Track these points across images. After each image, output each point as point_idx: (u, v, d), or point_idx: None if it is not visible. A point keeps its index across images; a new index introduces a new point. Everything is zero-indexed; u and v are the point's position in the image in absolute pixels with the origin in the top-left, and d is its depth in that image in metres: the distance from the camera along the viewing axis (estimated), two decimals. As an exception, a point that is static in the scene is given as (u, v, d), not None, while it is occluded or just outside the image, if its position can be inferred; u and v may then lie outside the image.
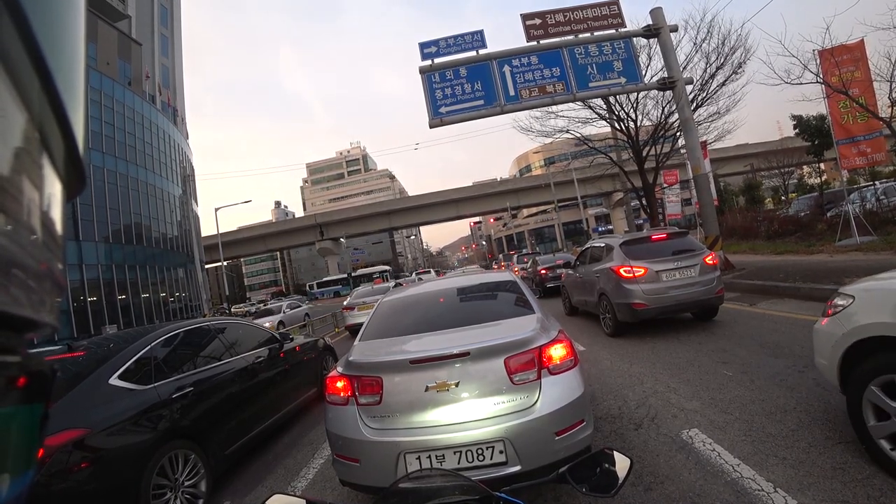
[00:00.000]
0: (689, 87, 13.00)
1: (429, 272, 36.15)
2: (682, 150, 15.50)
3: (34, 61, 0.30)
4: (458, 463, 2.47)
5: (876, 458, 2.57)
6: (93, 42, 30.55)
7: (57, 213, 0.37)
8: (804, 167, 38.11)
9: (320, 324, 16.21)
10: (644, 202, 16.71)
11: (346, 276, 55.57)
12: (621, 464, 1.15)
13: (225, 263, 38.19)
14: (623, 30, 12.62)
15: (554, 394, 2.60)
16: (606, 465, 1.16)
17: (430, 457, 2.49)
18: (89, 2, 0.38)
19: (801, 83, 11.23)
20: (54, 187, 0.36)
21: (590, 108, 15.90)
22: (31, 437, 0.35)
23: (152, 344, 3.75)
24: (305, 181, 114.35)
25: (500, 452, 2.47)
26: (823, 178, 30.14)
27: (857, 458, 2.68)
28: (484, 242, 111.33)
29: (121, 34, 34.50)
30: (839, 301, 2.83)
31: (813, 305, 6.56)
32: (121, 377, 3.32)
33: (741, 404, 3.74)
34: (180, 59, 47.05)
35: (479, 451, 2.47)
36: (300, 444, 4.69)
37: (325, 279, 57.47)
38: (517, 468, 2.44)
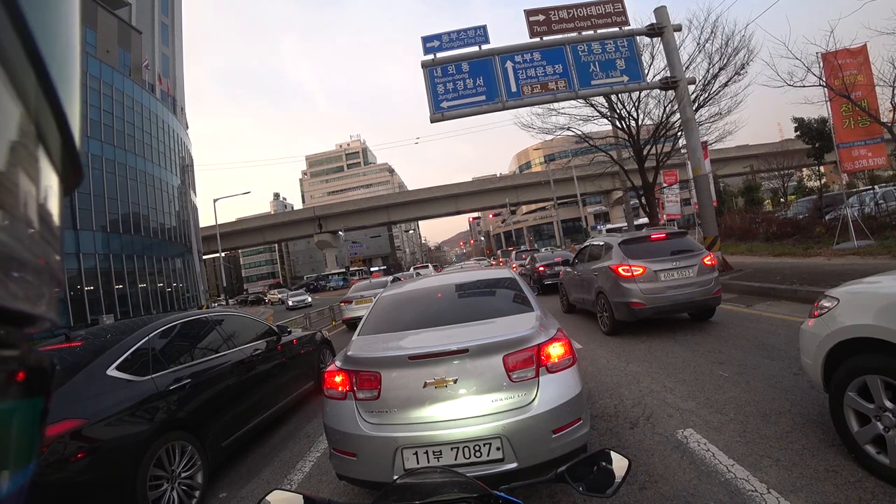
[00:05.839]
0: (691, 88, 12.97)
1: (426, 267, 36.11)
2: (683, 150, 15.48)
3: (28, 52, 0.30)
4: (455, 459, 2.48)
5: (864, 462, 2.60)
6: (92, 29, 30.31)
7: (54, 207, 0.37)
8: (804, 170, 38.08)
9: (318, 317, 16.21)
10: (643, 201, 16.71)
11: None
12: (619, 464, 1.16)
13: (223, 255, 38.13)
14: (627, 28, 12.57)
15: (552, 392, 2.61)
16: (604, 465, 1.16)
17: (427, 452, 2.50)
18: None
19: (804, 86, 11.25)
20: (51, 181, 0.36)
21: (591, 105, 15.83)
22: (31, 431, 0.35)
23: (150, 335, 3.75)
24: (305, 173, 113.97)
25: (497, 449, 2.48)
26: (823, 182, 30.17)
27: (849, 461, 2.70)
28: (482, 238, 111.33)
29: (121, 22, 34.20)
30: (825, 303, 2.91)
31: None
32: (118, 368, 3.31)
33: (736, 405, 3.76)
34: (180, 48, 46.71)
35: (477, 448, 2.48)
36: (297, 436, 4.70)
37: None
38: (514, 465, 2.46)
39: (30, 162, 0.32)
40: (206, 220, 43.92)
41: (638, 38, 12.68)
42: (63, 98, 0.34)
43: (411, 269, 37.81)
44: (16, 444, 0.32)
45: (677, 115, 13.87)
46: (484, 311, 3.34)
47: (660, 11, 12.55)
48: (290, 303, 32.83)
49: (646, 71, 12.94)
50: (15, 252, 0.30)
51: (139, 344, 3.60)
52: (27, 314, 0.32)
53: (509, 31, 16.00)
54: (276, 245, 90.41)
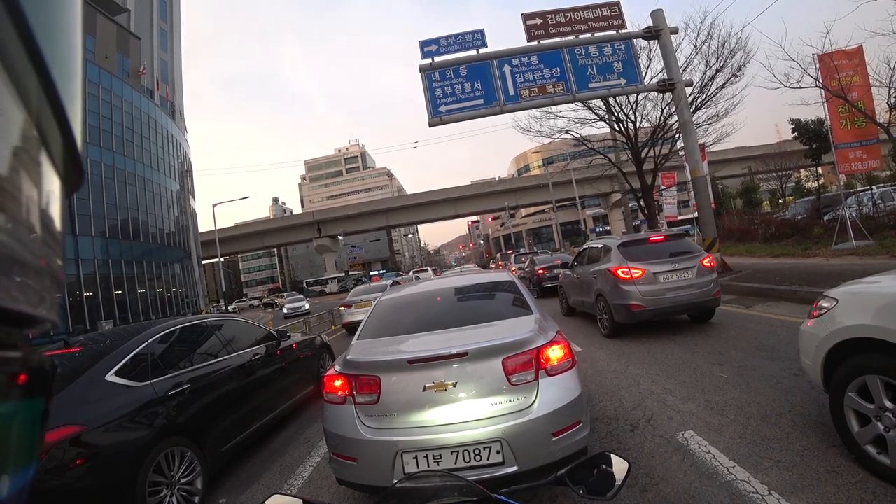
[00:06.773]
0: (688, 90, 13.03)
1: (426, 271, 36.10)
2: (681, 152, 15.54)
3: (31, 57, 0.30)
4: (455, 463, 2.47)
5: (864, 463, 2.60)
6: (91, 35, 30.38)
7: (56, 209, 0.37)
8: (802, 171, 38.15)
9: (317, 321, 16.20)
10: (642, 203, 16.75)
11: None
12: (619, 466, 1.16)
13: (222, 260, 38.09)
14: (624, 31, 12.62)
15: (551, 395, 2.61)
16: (604, 468, 1.16)
17: (427, 456, 2.49)
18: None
19: (801, 87, 11.31)
20: (53, 183, 0.36)
21: (589, 108, 15.92)
22: (32, 432, 0.35)
23: (149, 340, 3.74)
24: (304, 178, 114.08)
25: (498, 453, 2.47)
26: (821, 182, 30.23)
27: (850, 461, 2.70)
28: (482, 241, 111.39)
29: (119, 28, 34.31)
30: (824, 303, 2.91)
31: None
32: (117, 374, 3.30)
33: (737, 407, 3.75)
34: (179, 53, 46.85)
35: (477, 452, 2.48)
36: (297, 441, 4.69)
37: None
38: (514, 468, 2.45)
39: (32, 165, 0.33)
40: (205, 225, 43.92)
41: (635, 40, 12.73)
42: (65, 100, 0.34)
43: (410, 272, 37.86)
44: (16, 446, 0.32)
45: (675, 118, 13.94)
46: (483, 315, 3.34)
47: (656, 14, 12.61)
48: (286, 310, 29.01)
49: (643, 73, 13.00)
50: (17, 254, 0.30)
51: (138, 349, 3.59)
52: (29, 316, 0.32)
53: (507, 35, 16.08)
54: (275, 250, 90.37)
